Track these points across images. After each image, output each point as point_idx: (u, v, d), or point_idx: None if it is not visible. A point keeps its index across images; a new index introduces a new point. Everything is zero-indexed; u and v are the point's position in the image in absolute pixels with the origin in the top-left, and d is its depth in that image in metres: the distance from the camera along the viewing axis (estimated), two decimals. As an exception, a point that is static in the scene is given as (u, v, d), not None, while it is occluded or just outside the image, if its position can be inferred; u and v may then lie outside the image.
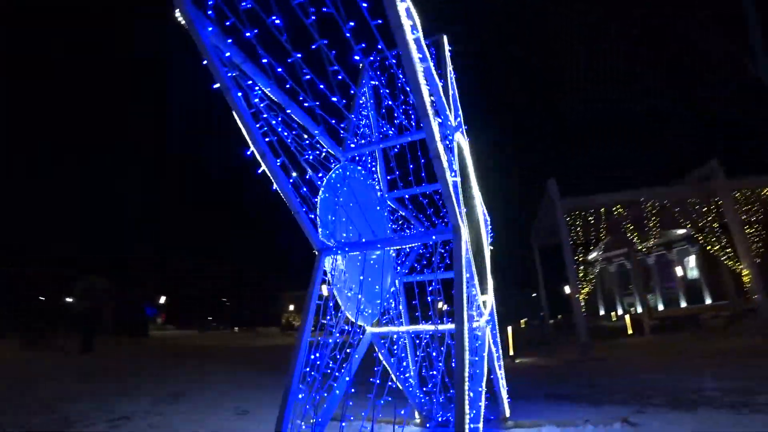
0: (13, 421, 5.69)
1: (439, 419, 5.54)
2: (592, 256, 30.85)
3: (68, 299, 37.36)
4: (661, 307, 27.69)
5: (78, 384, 9.03)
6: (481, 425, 2.87)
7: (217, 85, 2.88)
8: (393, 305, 5.20)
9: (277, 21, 2.50)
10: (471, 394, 3.13)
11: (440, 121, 3.73)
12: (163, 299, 52.10)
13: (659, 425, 4.83)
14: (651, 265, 29.01)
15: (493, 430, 5.13)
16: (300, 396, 3.10)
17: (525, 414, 5.82)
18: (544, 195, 16.14)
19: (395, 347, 5.06)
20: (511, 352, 13.97)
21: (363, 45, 2.81)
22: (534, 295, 34.14)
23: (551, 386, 8.32)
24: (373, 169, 5.49)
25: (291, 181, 3.44)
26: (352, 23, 2.44)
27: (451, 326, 4.30)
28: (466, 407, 2.30)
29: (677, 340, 15.44)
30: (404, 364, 5.17)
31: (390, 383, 3.47)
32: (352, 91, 3.28)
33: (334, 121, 3.94)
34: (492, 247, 6.90)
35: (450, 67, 5.43)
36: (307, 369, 3.24)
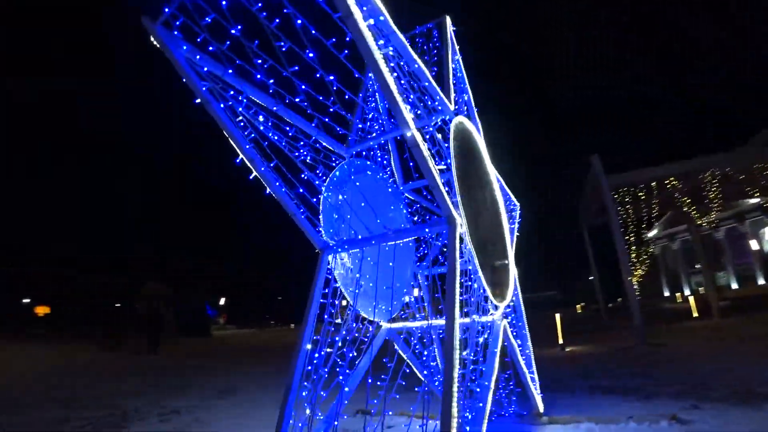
0: (80, 415, 6.34)
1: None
2: (652, 233, 28.59)
3: (138, 305, 41.03)
4: (735, 286, 24.97)
5: (140, 382, 9.91)
6: (484, 425, 2.72)
7: (198, 100, 2.95)
8: (412, 299, 5.11)
9: (233, 31, 2.49)
10: (471, 393, 3.00)
11: (429, 105, 3.57)
12: (222, 300, 55.74)
13: (715, 424, 4.30)
14: (721, 240, 26.20)
15: (525, 426, 4.91)
16: (304, 393, 3.14)
17: (565, 408, 5.51)
18: (589, 172, 15.08)
19: (413, 341, 4.98)
20: (560, 341, 13.28)
21: (334, 40, 2.72)
22: (591, 278, 32.28)
23: (598, 377, 7.80)
24: (385, 162, 5.40)
25: (279, 183, 3.45)
26: (300, 21, 2.37)
27: (466, 320, 4.15)
28: (454, 407, 2.19)
29: (750, 323, 13.83)
30: (424, 358, 5.06)
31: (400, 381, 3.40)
32: (336, 88, 3.20)
33: (328, 119, 3.89)
34: (518, 234, 6.58)
35: (454, 48, 5.20)
36: (309, 368, 3.26)
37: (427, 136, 3.35)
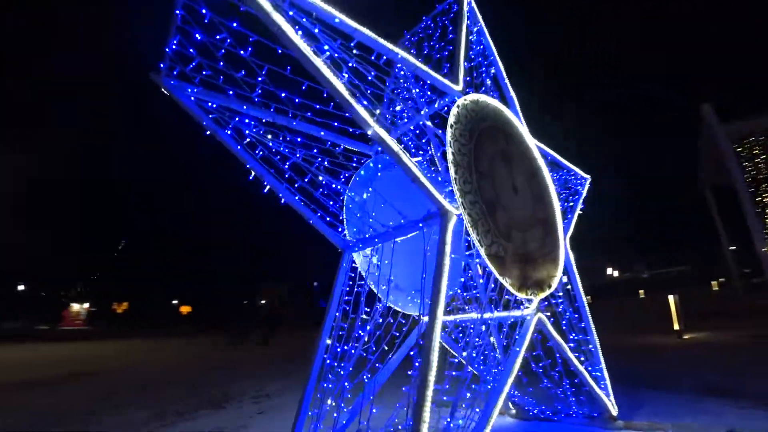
0: (194, 394, 7.64)
1: (535, 411, 5.04)
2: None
3: (263, 302, 46.85)
4: None
5: (250, 369, 11.43)
6: (488, 429, 2.52)
7: (208, 132, 3.31)
8: (458, 290, 4.94)
9: (220, 63, 2.72)
10: (467, 394, 2.81)
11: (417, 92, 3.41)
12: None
13: None
14: None
15: (594, 429, 4.41)
16: (326, 386, 3.32)
17: (655, 411, 4.77)
18: (702, 125, 12.53)
19: (462, 335, 4.80)
20: (676, 327, 11.39)
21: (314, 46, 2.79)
22: (732, 248, 26.78)
23: (713, 374, 6.53)
24: (421, 152, 5.29)
25: (293, 192, 3.65)
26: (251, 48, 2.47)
27: (516, 313, 3.88)
28: (426, 412, 2.10)
29: None
30: (484, 353, 4.84)
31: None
32: (323, 92, 3.26)
33: (337, 124, 3.97)
34: (581, 211, 5.85)
35: (475, 21, 4.84)
36: (329, 362, 3.42)
37: (409, 127, 3.21)
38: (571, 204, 5.81)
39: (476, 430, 2.51)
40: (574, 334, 4.46)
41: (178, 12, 2.63)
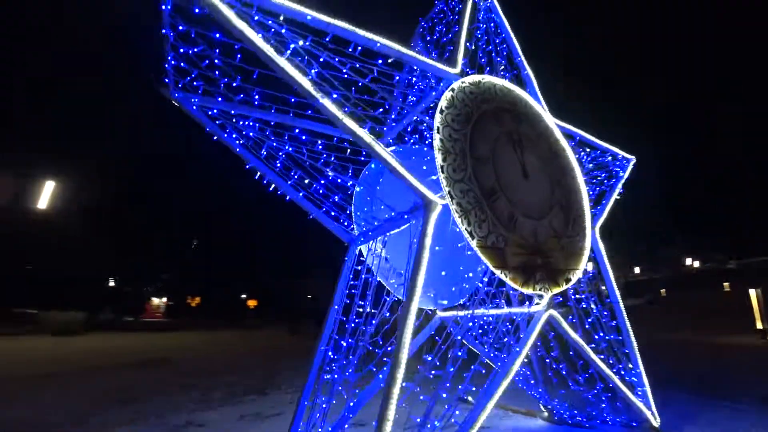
0: (241, 381, 8.14)
1: (566, 416, 4.69)
2: None
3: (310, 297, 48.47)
4: None
5: (299, 358, 11.96)
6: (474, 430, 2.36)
7: (215, 137, 3.49)
8: (478, 284, 4.73)
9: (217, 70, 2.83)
10: (470, 397, 2.65)
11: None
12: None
13: None
14: None
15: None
16: (326, 377, 3.36)
17: (710, 423, 4.21)
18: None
19: (480, 332, 4.59)
20: (759, 326, 9.91)
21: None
22: None
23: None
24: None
25: (297, 189, 3.71)
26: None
27: (523, 309, 3.64)
28: (391, 410, 2.02)
29: None
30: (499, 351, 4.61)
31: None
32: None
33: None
34: (619, 196, 5.29)
35: (471, 1, 4.59)
36: (332, 354, 3.45)
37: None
38: (608, 188, 5.28)
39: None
40: (602, 334, 4.05)
41: (164, 31, 2.76)
